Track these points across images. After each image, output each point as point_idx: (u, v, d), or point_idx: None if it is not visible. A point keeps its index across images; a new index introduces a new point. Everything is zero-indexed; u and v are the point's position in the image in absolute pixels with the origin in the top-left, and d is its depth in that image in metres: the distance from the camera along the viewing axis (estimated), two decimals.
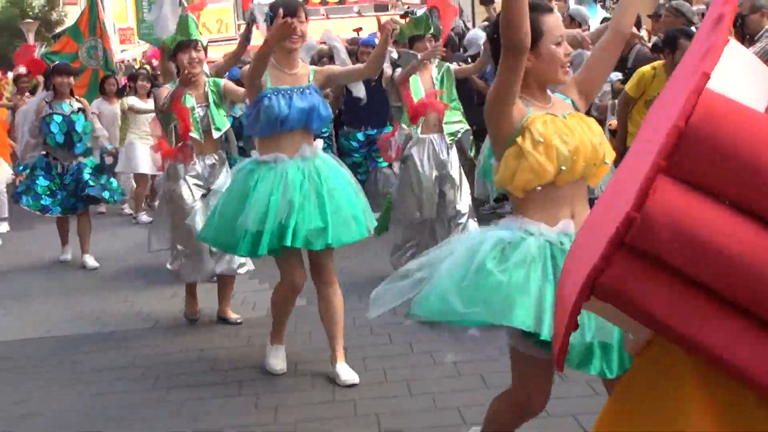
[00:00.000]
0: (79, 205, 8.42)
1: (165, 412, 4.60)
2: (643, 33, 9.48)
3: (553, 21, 3.03)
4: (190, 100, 5.76)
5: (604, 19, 8.98)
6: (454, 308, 2.85)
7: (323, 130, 8.49)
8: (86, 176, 8.27)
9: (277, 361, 5.04)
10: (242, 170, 4.88)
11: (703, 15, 7.87)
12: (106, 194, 8.49)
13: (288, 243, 4.61)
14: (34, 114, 8.30)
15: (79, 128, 8.25)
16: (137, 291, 7.39)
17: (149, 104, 10.03)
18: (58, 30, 46.13)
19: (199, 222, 5.66)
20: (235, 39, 27.69)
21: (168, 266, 6.16)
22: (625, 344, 2.05)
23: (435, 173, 6.72)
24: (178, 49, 5.76)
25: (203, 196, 5.90)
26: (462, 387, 4.64)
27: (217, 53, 21.52)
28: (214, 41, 29.60)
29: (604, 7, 13.12)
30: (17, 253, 9.70)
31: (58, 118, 8.19)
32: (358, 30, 13.89)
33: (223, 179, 5.84)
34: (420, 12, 7.31)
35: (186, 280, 6.15)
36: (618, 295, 1.56)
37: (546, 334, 2.71)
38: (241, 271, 6.07)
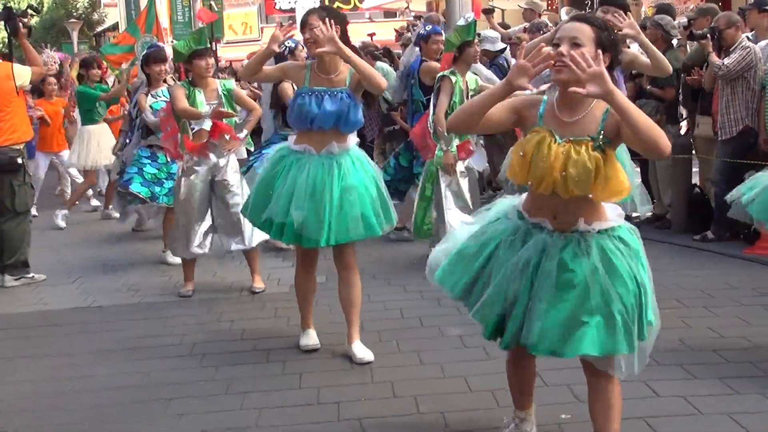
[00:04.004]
0: None
1: (201, 376, 4.59)
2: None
3: (560, 29, 3.09)
4: (199, 96, 5.98)
5: None
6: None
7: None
8: None
9: (308, 341, 4.92)
10: (276, 154, 4.76)
11: (685, 27, 7.82)
12: None
13: (304, 244, 4.62)
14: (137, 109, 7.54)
15: None
16: (175, 266, 7.36)
17: None
18: (99, 29, 46.14)
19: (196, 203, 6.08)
20: (259, 40, 27.60)
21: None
22: None
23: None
24: (196, 55, 5.97)
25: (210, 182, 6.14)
26: (467, 357, 4.65)
27: (242, 53, 21.53)
28: (240, 42, 29.56)
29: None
30: (70, 232, 9.70)
31: (159, 105, 7.14)
32: (372, 35, 13.83)
33: (230, 172, 6.14)
34: (469, 18, 7.03)
35: (175, 254, 6.48)
36: None
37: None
38: (253, 244, 6.22)
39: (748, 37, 7.50)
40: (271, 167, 4.73)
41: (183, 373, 4.65)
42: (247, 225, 5.90)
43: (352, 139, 4.75)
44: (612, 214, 3.08)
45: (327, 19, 4.45)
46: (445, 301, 5.70)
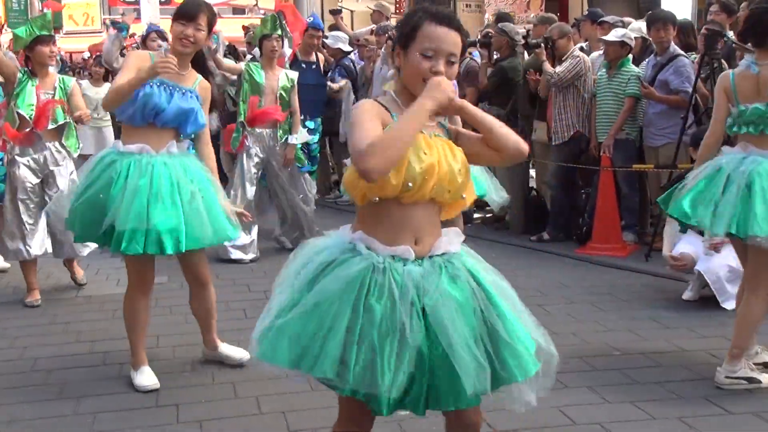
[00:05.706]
0: None
1: (33, 381, 4.42)
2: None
3: (430, 31, 2.44)
4: (30, 86, 5.77)
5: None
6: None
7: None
8: None
9: (146, 380, 4.27)
10: (102, 161, 4.20)
11: (524, 37, 8.15)
12: None
13: (164, 251, 4.06)
14: None
15: None
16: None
17: None
18: None
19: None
20: (100, 32, 26.65)
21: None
22: None
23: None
24: (39, 41, 5.76)
25: (41, 181, 5.88)
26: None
27: (82, 44, 20.71)
28: (80, 33, 28.49)
29: None
30: None
31: None
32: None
33: (61, 173, 5.88)
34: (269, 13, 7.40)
35: (6, 258, 6.22)
36: None
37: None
38: (84, 252, 6.10)
39: (582, 48, 7.92)
40: (97, 175, 4.16)
41: (13, 378, 4.46)
42: None
43: (185, 143, 4.48)
44: (452, 232, 2.62)
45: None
46: None
